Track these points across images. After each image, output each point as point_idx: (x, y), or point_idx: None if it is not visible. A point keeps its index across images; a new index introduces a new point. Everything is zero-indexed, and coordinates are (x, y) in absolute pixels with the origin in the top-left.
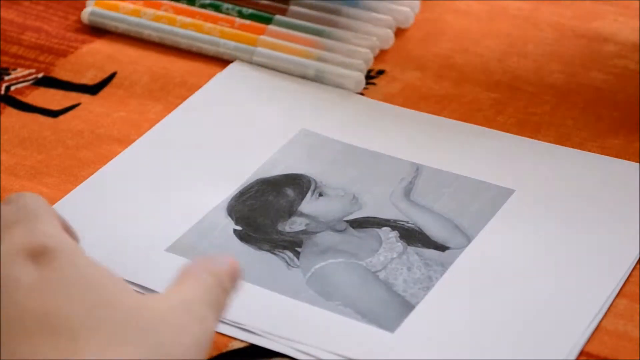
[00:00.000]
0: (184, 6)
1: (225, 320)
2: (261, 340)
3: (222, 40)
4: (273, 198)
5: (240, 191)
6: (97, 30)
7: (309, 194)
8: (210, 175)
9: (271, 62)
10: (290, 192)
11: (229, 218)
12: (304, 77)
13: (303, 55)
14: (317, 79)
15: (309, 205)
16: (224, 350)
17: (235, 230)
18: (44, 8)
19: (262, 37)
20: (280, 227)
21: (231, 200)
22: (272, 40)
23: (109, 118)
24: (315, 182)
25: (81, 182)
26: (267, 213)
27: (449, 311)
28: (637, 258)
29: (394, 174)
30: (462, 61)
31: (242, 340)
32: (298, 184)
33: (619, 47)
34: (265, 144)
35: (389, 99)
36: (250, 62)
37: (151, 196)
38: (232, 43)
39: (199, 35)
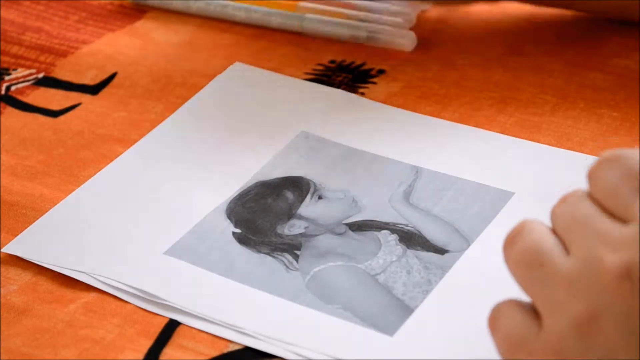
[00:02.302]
0: None
1: (223, 323)
2: (260, 344)
3: (274, 10)
4: (272, 201)
5: (239, 194)
6: (98, 30)
7: (308, 196)
8: (210, 177)
9: (321, 27)
10: (289, 194)
11: (228, 221)
12: (355, 39)
13: (349, 18)
14: (370, 41)
15: (308, 208)
16: (224, 352)
17: (234, 233)
18: (44, 8)
19: (300, 3)
20: (279, 230)
21: (230, 202)
22: (311, 6)
23: (109, 118)
24: (315, 185)
25: (81, 182)
26: (266, 216)
27: (449, 315)
28: None
29: (394, 176)
30: (463, 61)
31: (240, 344)
32: (297, 186)
33: (619, 47)
34: (265, 146)
35: (389, 98)
36: (301, 31)
37: (150, 198)
38: (282, 12)
39: (251, 6)
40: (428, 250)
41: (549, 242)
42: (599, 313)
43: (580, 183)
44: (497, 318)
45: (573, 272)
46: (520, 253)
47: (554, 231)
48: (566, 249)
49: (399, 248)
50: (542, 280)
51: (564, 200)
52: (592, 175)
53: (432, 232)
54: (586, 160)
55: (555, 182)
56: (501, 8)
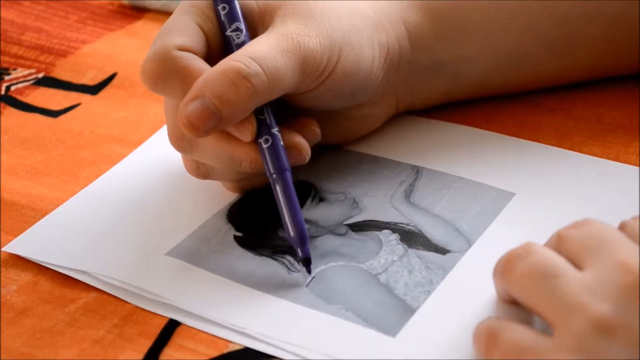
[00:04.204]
0: None
1: (226, 324)
2: (260, 344)
3: None
4: (273, 205)
5: (240, 198)
6: (98, 30)
7: (309, 200)
8: (210, 182)
9: None
10: None
11: (230, 225)
12: None
13: None
14: None
15: (310, 211)
16: (224, 352)
17: (235, 237)
18: (44, 8)
19: None
20: (280, 233)
21: (231, 207)
22: None
23: (109, 118)
24: (316, 188)
25: (81, 182)
26: (267, 220)
27: (450, 316)
28: None
29: (394, 176)
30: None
31: (240, 344)
32: (298, 190)
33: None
34: None
35: None
36: None
37: (152, 201)
38: None
39: None
40: (429, 250)
41: (560, 258)
42: (623, 311)
43: (580, 183)
44: (495, 335)
45: (594, 277)
46: (530, 266)
47: (559, 252)
48: (577, 267)
49: (400, 247)
50: (556, 290)
51: (576, 225)
52: None
53: (433, 232)
54: (586, 161)
55: (556, 182)
56: None
